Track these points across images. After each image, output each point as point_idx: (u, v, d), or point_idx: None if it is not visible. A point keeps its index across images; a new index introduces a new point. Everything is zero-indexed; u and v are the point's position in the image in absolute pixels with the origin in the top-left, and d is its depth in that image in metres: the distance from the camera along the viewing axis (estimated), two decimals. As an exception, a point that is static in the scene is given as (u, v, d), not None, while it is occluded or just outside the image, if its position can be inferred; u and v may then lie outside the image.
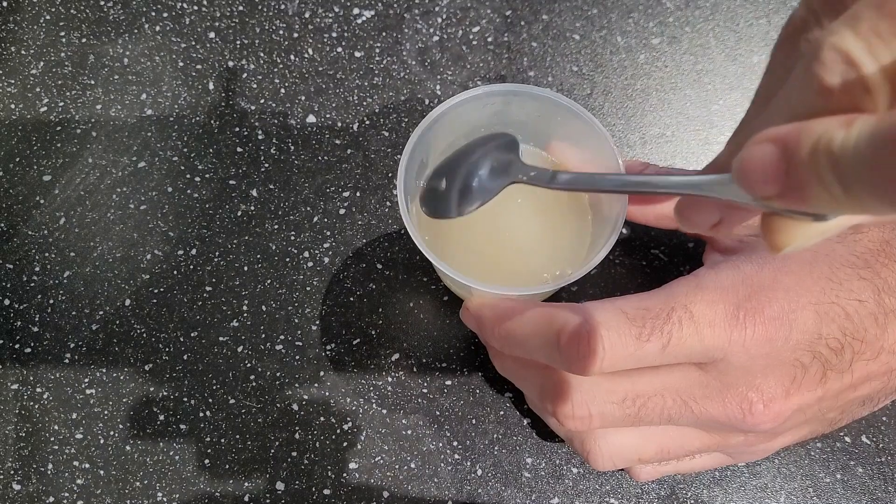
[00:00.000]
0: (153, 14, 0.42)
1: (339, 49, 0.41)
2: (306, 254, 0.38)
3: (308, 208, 0.38)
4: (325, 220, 0.38)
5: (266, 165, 0.39)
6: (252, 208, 0.39)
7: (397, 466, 0.35)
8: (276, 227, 0.38)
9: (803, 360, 0.26)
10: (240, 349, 0.36)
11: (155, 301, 0.37)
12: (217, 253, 0.38)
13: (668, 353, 0.25)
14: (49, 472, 0.35)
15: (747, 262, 0.27)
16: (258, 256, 0.38)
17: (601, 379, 0.27)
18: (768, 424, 0.26)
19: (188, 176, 0.39)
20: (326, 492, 0.35)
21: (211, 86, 0.41)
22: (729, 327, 0.25)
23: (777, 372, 0.26)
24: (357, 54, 0.41)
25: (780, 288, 0.26)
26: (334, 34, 0.41)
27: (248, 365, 0.36)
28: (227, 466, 0.35)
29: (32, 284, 0.38)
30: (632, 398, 0.26)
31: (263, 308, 0.37)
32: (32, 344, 0.37)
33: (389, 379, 0.36)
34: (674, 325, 0.25)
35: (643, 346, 0.25)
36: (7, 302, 0.37)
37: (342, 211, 0.38)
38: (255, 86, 0.41)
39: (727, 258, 0.28)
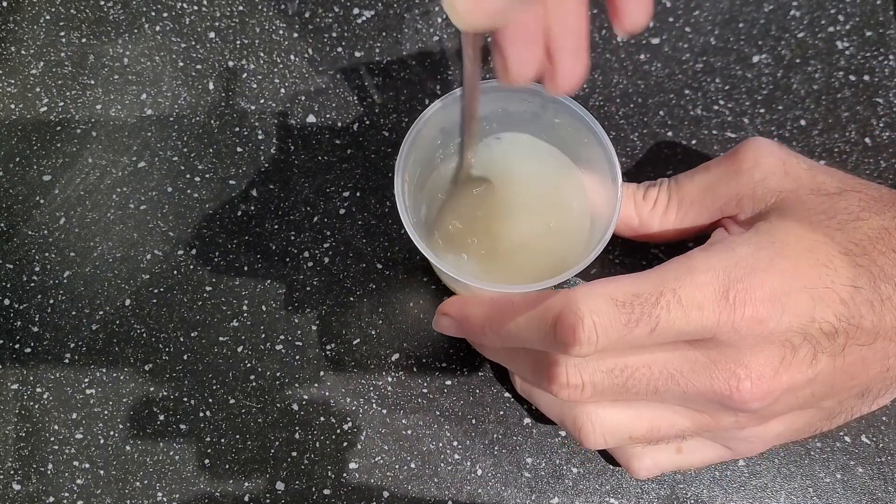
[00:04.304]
0: (153, 14, 0.42)
1: (339, 49, 0.41)
2: (306, 254, 0.38)
3: (308, 208, 0.38)
4: (325, 220, 0.38)
5: (266, 165, 0.39)
6: (252, 208, 0.39)
7: (397, 466, 0.35)
8: (276, 227, 0.38)
9: (794, 340, 0.26)
10: (240, 349, 0.37)
11: (155, 301, 0.37)
12: (217, 253, 0.38)
13: (657, 336, 0.25)
14: (49, 472, 0.35)
15: (743, 245, 0.27)
16: (258, 256, 0.38)
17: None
18: (756, 403, 0.26)
19: (188, 176, 0.39)
20: (326, 492, 0.35)
21: (211, 86, 0.41)
22: (718, 308, 0.25)
23: (766, 351, 0.26)
24: (357, 54, 0.41)
25: (775, 271, 0.26)
26: (334, 34, 0.41)
27: (248, 365, 0.36)
28: (227, 466, 0.35)
29: (32, 284, 0.38)
30: (620, 368, 0.27)
31: (263, 308, 0.37)
32: (32, 344, 0.37)
33: (389, 379, 0.36)
34: (662, 309, 0.25)
35: (632, 330, 0.25)
36: (7, 302, 0.37)
37: (342, 211, 0.38)
38: (255, 86, 0.41)
39: (725, 238, 0.29)
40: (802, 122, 0.39)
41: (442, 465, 0.35)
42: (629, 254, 0.37)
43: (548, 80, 0.24)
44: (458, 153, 0.31)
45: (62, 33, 0.42)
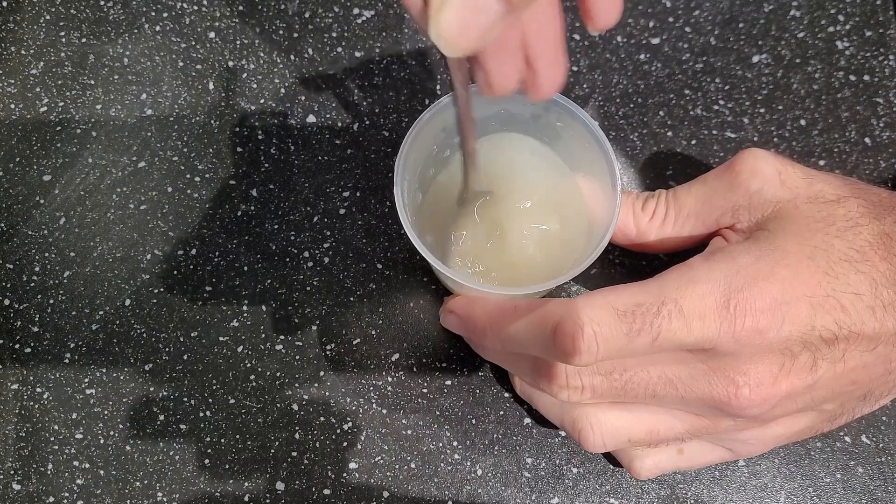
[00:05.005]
0: (153, 14, 0.42)
1: (339, 49, 0.41)
2: (306, 254, 0.38)
3: (308, 208, 0.38)
4: (325, 220, 0.38)
5: (266, 165, 0.39)
6: (252, 208, 0.39)
7: (397, 466, 0.35)
8: (276, 227, 0.38)
9: (793, 348, 0.26)
10: (240, 349, 0.37)
11: (155, 301, 0.37)
12: (217, 253, 0.38)
13: (658, 346, 0.25)
14: (49, 472, 0.35)
15: (744, 253, 0.27)
16: (258, 256, 0.38)
17: None
18: (755, 409, 0.26)
19: (188, 176, 0.39)
20: (326, 492, 0.35)
21: (211, 86, 0.41)
22: (719, 318, 0.25)
23: (766, 359, 0.26)
24: (357, 54, 0.41)
25: (775, 280, 0.26)
26: (334, 34, 0.41)
27: (248, 365, 0.36)
28: (227, 466, 0.35)
29: (32, 284, 0.38)
30: (619, 372, 0.27)
31: (263, 308, 0.37)
32: (32, 344, 0.37)
33: (389, 379, 0.36)
34: (663, 319, 0.25)
35: (633, 340, 0.25)
36: (7, 302, 0.37)
37: (342, 211, 0.38)
38: (255, 86, 0.41)
39: (726, 247, 0.29)
40: (802, 122, 0.39)
41: (442, 465, 0.35)
42: (629, 254, 0.37)
43: (530, 88, 0.24)
44: (461, 171, 0.31)
45: (62, 33, 0.42)
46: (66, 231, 0.38)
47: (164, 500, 0.35)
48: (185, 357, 0.36)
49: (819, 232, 0.27)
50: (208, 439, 0.35)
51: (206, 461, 0.35)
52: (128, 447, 0.35)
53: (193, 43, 0.41)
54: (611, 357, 0.26)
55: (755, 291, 0.25)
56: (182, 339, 0.37)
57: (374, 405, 0.36)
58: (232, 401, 0.36)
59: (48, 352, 0.37)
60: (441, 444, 0.35)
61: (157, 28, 0.42)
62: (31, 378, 0.36)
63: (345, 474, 0.35)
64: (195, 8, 0.42)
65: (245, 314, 0.37)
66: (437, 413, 0.36)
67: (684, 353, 0.27)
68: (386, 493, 0.35)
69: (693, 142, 0.39)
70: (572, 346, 0.25)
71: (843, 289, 0.26)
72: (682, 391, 0.27)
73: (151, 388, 0.36)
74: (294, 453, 0.35)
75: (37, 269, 0.38)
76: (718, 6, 0.41)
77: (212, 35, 0.42)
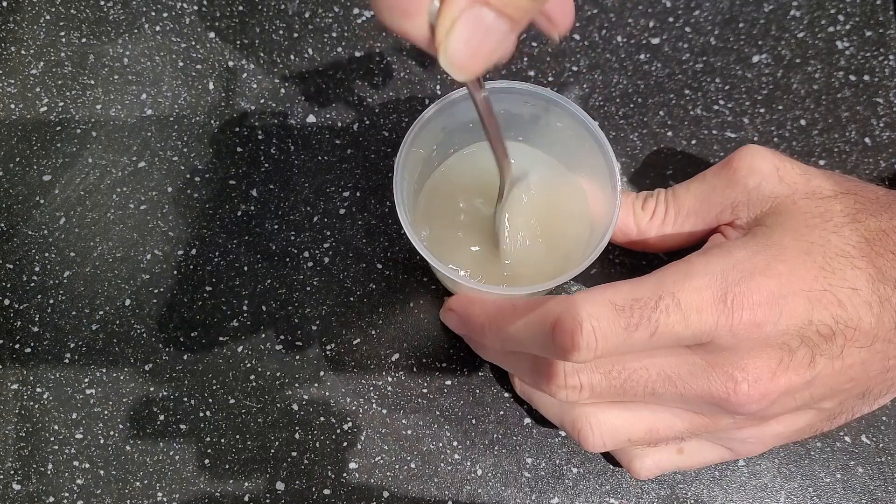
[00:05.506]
0: (153, 14, 0.42)
1: (339, 49, 0.41)
2: (306, 254, 0.38)
3: (308, 208, 0.38)
4: (325, 220, 0.38)
5: (266, 165, 0.39)
6: (252, 208, 0.39)
7: (397, 466, 0.35)
8: (276, 227, 0.38)
9: (791, 343, 0.26)
10: (240, 349, 0.37)
11: (155, 301, 0.37)
12: (217, 253, 0.38)
13: (656, 340, 0.26)
14: (49, 472, 0.35)
15: (741, 248, 0.27)
16: (258, 256, 0.38)
17: None
18: (754, 405, 0.26)
19: (188, 176, 0.39)
20: (326, 492, 0.35)
21: (211, 86, 0.41)
22: (716, 312, 0.25)
23: (764, 354, 0.26)
24: (357, 54, 0.41)
25: (772, 274, 0.26)
26: (334, 34, 0.41)
27: (248, 365, 0.36)
28: (227, 466, 0.35)
29: (32, 284, 0.38)
30: (618, 370, 0.27)
31: (263, 308, 0.37)
32: (32, 344, 0.37)
33: (389, 379, 0.36)
34: (661, 313, 0.25)
35: (632, 335, 0.25)
36: (7, 302, 0.37)
37: (342, 211, 0.38)
38: (255, 86, 0.41)
39: (723, 242, 0.29)
40: (802, 122, 0.39)
41: (442, 465, 0.35)
42: (629, 253, 0.37)
43: (546, 26, 0.25)
44: (498, 174, 0.30)
45: (62, 33, 0.42)
46: (66, 231, 0.38)
47: (164, 500, 0.35)
48: (185, 357, 0.36)
49: (816, 228, 0.27)
50: (208, 439, 0.35)
51: (206, 461, 0.35)
52: (128, 447, 0.35)
53: (193, 43, 0.41)
54: (609, 353, 0.26)
55: (752, 285, 0.25)
56: (182, 339, 0.37)
57: (374, 405, 0.36)
58: (232, 401, 0.36)
59: (48, 352, 0.37)
60: (441, 444, 0.35)
61: (157, 28, 0.42)
62: (31, 378, 0.36)
63: (345, 474, 0.35)
64: (195, 8, 0.42)
65: (245, 314, 0.37)
66: (437, 413, 0.36)
67: (683, 348, 0.27)
68: (386, 493, 0.35)
69: (693, 142, 0.39)
70: (571, 342, 0.25)
71: (839, 284, 0.26)
72: (681, 388, 0.27)
73: (151, 388, 0.36)
74: (294, 453, 0.35)
75: (37, 269, 0.38)
76: (718, 6, 0.41)
77: (212, 35, 0.42)
